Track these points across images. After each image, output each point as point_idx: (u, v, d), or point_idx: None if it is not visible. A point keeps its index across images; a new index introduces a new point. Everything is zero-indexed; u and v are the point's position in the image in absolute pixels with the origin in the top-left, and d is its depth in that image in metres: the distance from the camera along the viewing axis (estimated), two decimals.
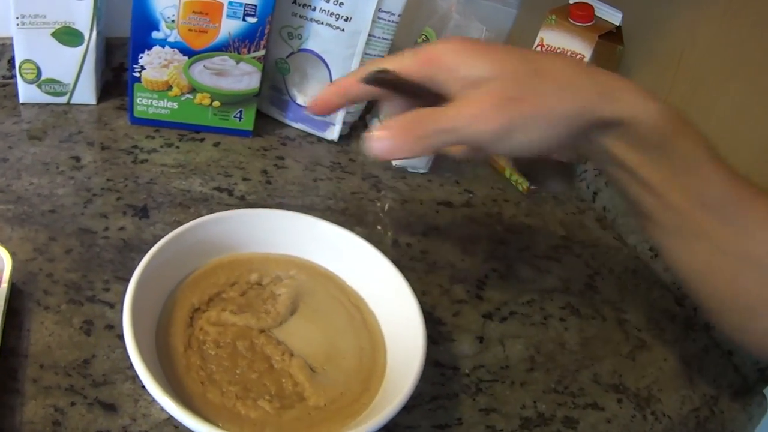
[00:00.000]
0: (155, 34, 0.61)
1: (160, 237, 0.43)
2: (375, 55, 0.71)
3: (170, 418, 0.38)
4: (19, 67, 0.63)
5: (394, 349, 0.44)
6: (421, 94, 0.39)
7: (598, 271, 0.65)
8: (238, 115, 0.69)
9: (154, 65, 0.63)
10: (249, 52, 0.64)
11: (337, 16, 0.66)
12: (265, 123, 0.74)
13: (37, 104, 0.66)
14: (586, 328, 0.57)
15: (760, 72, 0.59)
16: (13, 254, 0.43)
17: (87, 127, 0.66)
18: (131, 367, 0.35)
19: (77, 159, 0.60)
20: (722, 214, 0.39)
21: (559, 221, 0.71)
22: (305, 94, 0.73)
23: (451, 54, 0.38)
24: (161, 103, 0.66)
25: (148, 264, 0.41)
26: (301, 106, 0.73)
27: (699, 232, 0.40)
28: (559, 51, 0.70)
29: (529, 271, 0.62)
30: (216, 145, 0.68)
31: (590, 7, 0.68)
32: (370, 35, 0.68)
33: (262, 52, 0.65)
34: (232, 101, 0.68)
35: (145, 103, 0.66)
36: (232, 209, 0.49)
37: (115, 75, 0.75)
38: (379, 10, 0.66)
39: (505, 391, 0.48)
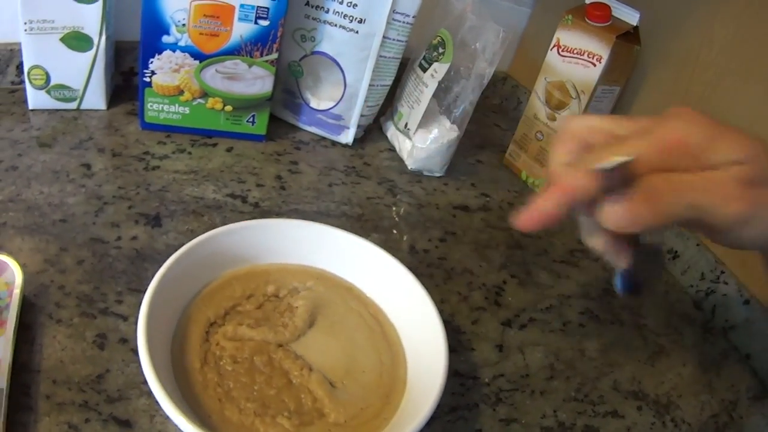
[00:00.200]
0: (166, 38, 0.60)
1: (173, 246, 0.43)
2: (389, 57, 0.69)
3: None
4: (28, 73, 0.62)
5: (415, 362, 0.43)
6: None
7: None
8: (250, 120, 0.68)
9: (165, 70, 0.62)
10: (261, 55, 0.63)
11: (351, 18, 0.65)
12: (278, 127, 0.73)
13: (47, 110, 0.66)
14: (605, 333, 0.56)
15: None
16: (23, 266, 0.43)
17: (97, 134, 0.65)
18: (146, 382, 0.34)
19: (88, 166, 0.59)
20: None
21: (575, 225, 0.70)
22: (319, 97, 0.72)
23: (695, 137, 0.34)
24: (172, 108, 0.65)
25: (162, 278, 0.40)
26: (314, 109, 0.72)
27: None
28: (575, 51, 0.68)
29: (547, 277, 0.61)
30: (229, 150, 0.68)
31: (607, 7, 0.67)
32: (384, 37, 0.66)
33: (274, 56, 0.64)
34: (244, 105, 0.67)
35: (156, 108, 0.65)
36: (246, 217, 0.48)
37: (125, 79, 0.74)
38: (393, 11, 0.65)
39: (525, 401, 0.48)
